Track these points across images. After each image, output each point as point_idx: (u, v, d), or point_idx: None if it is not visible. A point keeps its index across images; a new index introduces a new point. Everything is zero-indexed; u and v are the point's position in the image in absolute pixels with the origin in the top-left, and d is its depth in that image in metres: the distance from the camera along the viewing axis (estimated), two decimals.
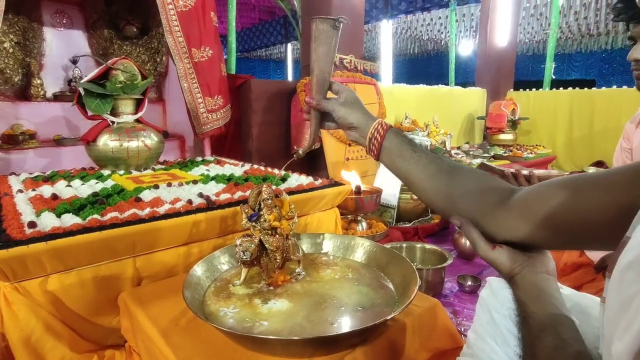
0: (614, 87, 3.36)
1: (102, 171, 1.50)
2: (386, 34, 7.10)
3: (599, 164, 3.13)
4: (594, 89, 3.56)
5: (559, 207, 0.49)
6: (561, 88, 3.71)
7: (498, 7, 3.79)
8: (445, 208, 0.61)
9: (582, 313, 0.51)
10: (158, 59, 2.47)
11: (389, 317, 0.68)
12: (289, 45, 9.26)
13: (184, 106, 2.00)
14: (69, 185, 1.26)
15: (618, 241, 0.35)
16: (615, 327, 0.31)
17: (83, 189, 1.21)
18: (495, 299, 0.54)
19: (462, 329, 1.16)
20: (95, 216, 0.93)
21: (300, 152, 0.84)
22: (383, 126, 0.68)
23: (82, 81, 1.51)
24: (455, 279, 1.43)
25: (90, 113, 1.51)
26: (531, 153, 2.94)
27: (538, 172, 1.25)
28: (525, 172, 1.25)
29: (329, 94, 0.78)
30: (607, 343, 0.32)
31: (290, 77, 10.44)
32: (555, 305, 0.47)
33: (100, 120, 1.53)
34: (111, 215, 0.95)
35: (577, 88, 3.58)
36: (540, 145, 3.48)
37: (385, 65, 6.81)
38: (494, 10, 3.80)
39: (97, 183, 1.30)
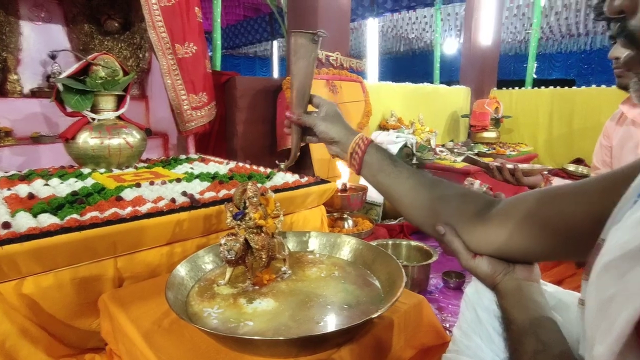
0: (593, 86, 3.43)
1: (82, 169, 1.46)
2: (372, 32, 7.11)
3: (578, 161, 3.20)
4: (573, 88, 3.64)
5: (538, 219, 0.50)
6: (542, 87, 3.78)
7: (482, 7, 3.84)
8: (425, 222, 0.61)
9: (566, 310, 0.51)
10: (141, 55, 2.42)
11: (374, 316, 0.67)
12: (275, 43, 9.19)
13: (168, 103, 1.96)
14: (46, 184, 1.22)
15: None
16: (596, 330, 0.31)
17: (62, 188, 1.18)
18: (480, 297, 0.54)
19: (447, 325, 1.17)
20: (74, 216, 0.91)
21: (282, 166, 0.84)
22: (364, 141, 0.69)
23: (60, 76, 1.47)
24: (441, 276, 1.44)
25: (69, 110, 1.47)
26: (514, 151, 2.99)
27: (522, 166, 1.27)
28: (509, 165, 1.26)
29: (310, 107, 0.77)
30: (589, 345, 0.32)
31: (276, 74, 10.37)
32: (537, 309, 0.47)
33: (80, 117, 1.48)
34: (91, 214, 0.92)
35: (557, 87, 3.65)
36: (522, 143, 3.54)
37: (371, 63, 6.82)
38: (478, 9, 3.85)
39: (76, 182, 1.27)
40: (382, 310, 0.69)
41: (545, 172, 1.25)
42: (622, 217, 0.35)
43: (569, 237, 0.46)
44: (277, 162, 0.88)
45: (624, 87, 1.16)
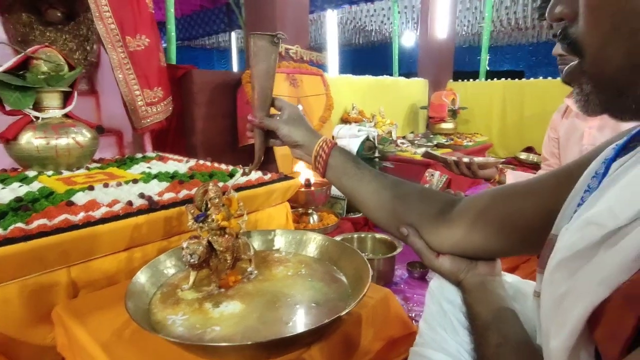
0: (541, 78, 3.63)
1: (26, 172, 1.36)
2: (332, 24, 7.11)
3: (529, 149, 3.38)
4: (523, 79, 3.83)
5: (496, 217, 0.52)
6: (495, 79, 3.95)
7: (437, 1, 3.93)
8: (389, 223, 0.63)
9: (524, 299, 0.54)
10: (88, 47, 2.27)
11: (343, 313, 0.68)
12: (233, 34, 8.95)
13: (120, 98, 1.86)
14: None
15: None
16: (550, 324, 0.33)
17: (4, 194, 1.09)
18: (444, 290, 0.56)
19: (413, 315, 1.21)
20: (20, 225, 0.84)
21: (247, 170, 0.83)
22: (328, 144, 0.69)
23: None
24: (405, 266, 1.48)
25: (8, 108, 1.36)
26: (470, 141, 3.12)
27: (477, 159, 1.32)
28: (466, 159, 1.31)
29: (273, 110, 0.77)
30: (544, 337, 0.34)
31: (235, 67, 10.13)
32: (498, 302, 0.49)
33: (21, 116, 1.37)
34: (38, 222, 0.86)
35: (509, 79, 3.83)
36: (478, 133, 3.69)
37: (332, 56, 6.83)
38: (434, 3, 3.94)
39: (20, 186, 1.17)
40: (351, 307, 0.70)
41: (499, 165, 1.32)
42: (571, 214, 0.37)
43: (524, 233, 0.49)
44: (240, 166, 0.87)
45: (568, 82, 1.23)
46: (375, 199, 0.64)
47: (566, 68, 0.35)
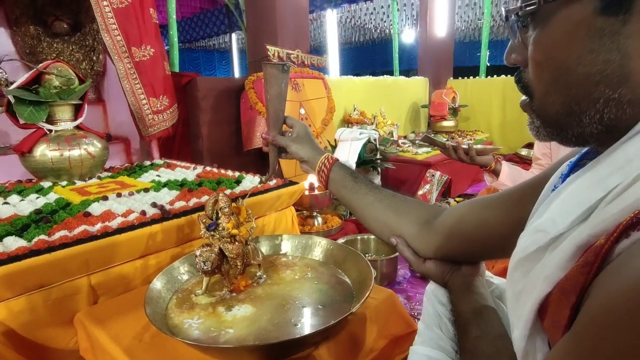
0: None
1: (41, 183, 1.42)
2: (331, 23, 7.14)
3: (529, 145, 3.41)
4: None
5: (470, 226, 0.59)
6: (495, 75, 3.97)
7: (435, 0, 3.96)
8: (382, 232, 0.69)
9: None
10: (94, 58, 2.33)
11: (348, 314, 0.73)
12: (234, 35, 9.00)
13: (127, 106, 1.91)
14: (6, 202, 1.18)
15: None
16: (512, 316, 0.38)
17: (23, 206, 1.14)
18: (439, 292, 0.62)
19: (415, 314, 1.25)
20: (42, 237, 0.90)
21: (264, 179, 0.97)
22: (329, 160, 0.77)
23: (11, 87, 1.41)
24: (408, 266, 1.52)
25: (22, 121, 1.41)
26: (471, 139, 3.15)
27: (476, 146, 1.37)
28: (464, 145, 1.36)
29: (285, 127, 0.87)
30: (510, 329, 0.40)
31: (236, 69, 10.17)
32: (479, 301, 0.55)
33: (35, 129, 1.43)
34: (60, 234, 0.91)
35: (509, 75, 3.86)
36: (478, 131, 3.72)
37: (332, 54, 6.86)
38: (432, 1, 3.96)
39: (38, 198, 1.23)
40: (355, 308, 0.74)
41: (497, 154, 1.37)
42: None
43: (496, 240, 0.54)
44: (258, 176, 0.97)
45: (524, 111, 1.28)
46: (370, 211, 0.71)
47: (520, 101, 0.41)
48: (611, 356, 0.23)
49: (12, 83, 1.97)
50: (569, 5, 0.34)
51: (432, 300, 0.61)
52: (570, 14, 0.34)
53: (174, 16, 3.38)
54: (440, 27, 3.99)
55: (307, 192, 1.62)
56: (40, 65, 1.44)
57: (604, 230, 0.29)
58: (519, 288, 0.38)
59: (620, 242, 0.27)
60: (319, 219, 1.73)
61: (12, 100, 1.37)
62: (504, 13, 0.41)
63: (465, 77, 4.12)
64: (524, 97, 0.41)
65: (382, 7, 7.85)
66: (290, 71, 0.80)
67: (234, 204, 0.91)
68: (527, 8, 0.36)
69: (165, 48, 2.61)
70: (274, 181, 1.40)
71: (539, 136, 0.40)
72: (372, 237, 1.56)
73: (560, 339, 0.30)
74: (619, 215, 0.28)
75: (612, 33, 0.32)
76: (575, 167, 0.42)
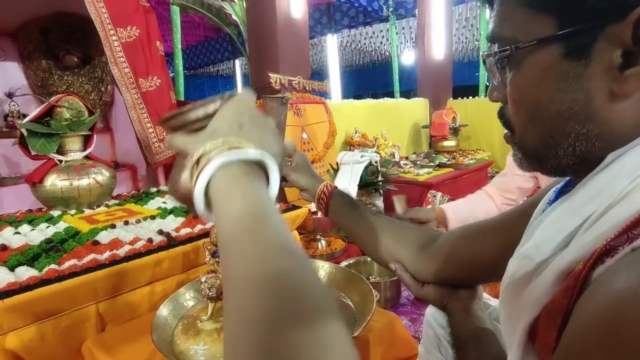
0: None
1: (51, 212, 1.45)
2: (332, 47, 7.31)
3: None
4: None
5: (464, 252, 0.61)
6: None
7: (433, 23, 4.07)
8: (381, 258, 0.71)
9: None
10: (103, 88, 2.41)
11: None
12: (237, 61, 9.22)
13: (134, 134, 1.97)
14: (17, 232, 1.21)
15: None
16: (506, 338, 0.40)
17: (34, 235, 1.18)
18: (438, 316, 0.63)
19: (419, 335, 1.25)
20: (53, 266, 0.92)
21: None
22: (328, 188, 0.79)
23: (23, 121, 1.46)
24: None
25: (33, 153, 1.46)
26: (472, 159, 3.18)
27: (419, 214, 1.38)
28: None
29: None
30: (507, 351, 0.41)
31: None
32: (477, 323, 0.56)
33: (45, 160, 1.48)
34: (69, 263, 0.94)
35: None
36: (480, 149, 3.75)
37: (334, 77, 7.00)
38: (429, 25, 4.07)
39: (48, 227, 1.26)
40: (357, 331, 0.76)
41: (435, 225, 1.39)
42: None
43: (491, 265, 0.56)
44: None
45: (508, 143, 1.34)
46: (369, 237, 0.73)
47: (504, 135, 0.44)
48: None
49: (24, 115, 2.05)
50: (538, 51, 0.37)
51: (432, 324, 0.63)
52: (540, 58, 0.37)
53: (179, 46, 3.49)
54: (438, 49, 4.08)
55: (311, 216, 1.64)
56: (52, 99, 1.51)
57: (582, 257, 0.31)
58: (510, 312, 0.40)
59: (596, 268, 0.29)
60: (323, 242, 1.75)
61: (25, 133, 1.42)
62: (482, 58, 0.44)
63: (465, 97, 4.19)
64: (506, 133, 0.45)
65: (381, 30, 8.04)
66: (288, 103, 0.83)
67: None
68: (502, 53, 0.40)
69: (171, 75, 2.70)
70: (277, 206, 1.43)
71: (522, 166, 0.43)
72: None
73: None
74: (594, 242, 0.31)
75: (576, 76, 0.35)
76: (560, 193, 0.45)
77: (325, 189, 0.78)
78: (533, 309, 0.35)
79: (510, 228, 0.55)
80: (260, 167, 0.36)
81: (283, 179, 0.87)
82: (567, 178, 0.45)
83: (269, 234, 0.31)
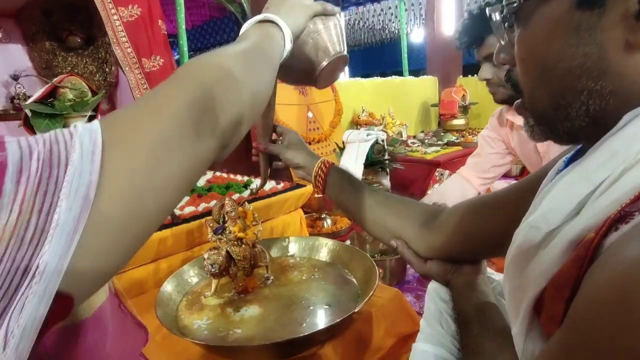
0: None
1: None
2: None
3: None
4: None
5: (470, 227, 0.59)
6: None
7: None
8: (382, 235, 0.70)
9: None
10: (107, 69, 2.40)
11: (352, 312, 0.74)
12: None
13: None
14: None
15: None
16: (510, 313, 0.39)
17: None
18: (440, 290, 0.62)
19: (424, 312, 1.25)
20: None
21: (254, 190, 0.91)
22: (326, 164, 0.77)
23: (27, 102, 1.47)
24: None
25: (38, 134, 1.47)
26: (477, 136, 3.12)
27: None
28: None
29: (274, 136, 0.85)
30: (511, 325, 0.40)
31: None
32: (481, 298, 0.55)
33: None
34: None
35: None
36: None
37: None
38: (439, 1, 3.95)
39: None
40: (359, 306, 0.76)
41: None
42: None
43: (497, 240, 0.54)
44: (249, 187, 0.95)
45: (501, 102, 1.31)
46: (369, 214, 0.71)
47: (515, 104, 0.42)
48: (595, 348, 0.24)
49: (30, 97, 2.05)
50: (547, 3, 0.35)
51: (434, 298, 0.62)
52: (549, 10, 0.35)
53: (184, 26, 3.44)
54: (448, 25, 3.97)
55: (315, 195, 1.63)
56: (55, 79, 1.50)
57: (594, 225, 0.29)
58: (515, 285, 0.38)
59: (609, 236, 0.28)
60: (328, 221, 1.75)
61: (29, 114, 1.42)
62: (487, 13, 0.42)
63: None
64: (517, 101, 0.42)
65: (389, 8, 7.83)
66: (276, 80, 0.78)
67: (240, 208, 0.93)
68: (510, 6, 0.37)
69: (176, 57, 2.67)
70: (282, 184, 1.42)
71: (534, 136, 0.41)
72: None
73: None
74: (607, 209, 0.29)
75: (589, 27, 0.33)
76: (570, 161, 0.43)
77: (322, 166, 0.76)
78: (540, 281, 0.33)
79: (517, 200, 0.53)
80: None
81: (275, 159, 0.85)
82: (577, 147, 0.42)
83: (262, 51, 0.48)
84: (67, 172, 0.24)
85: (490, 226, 0.57)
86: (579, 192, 0.33)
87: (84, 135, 0.26)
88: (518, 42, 0.38)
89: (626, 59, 0.32)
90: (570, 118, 0.36)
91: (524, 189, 0.54)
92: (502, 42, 0.42)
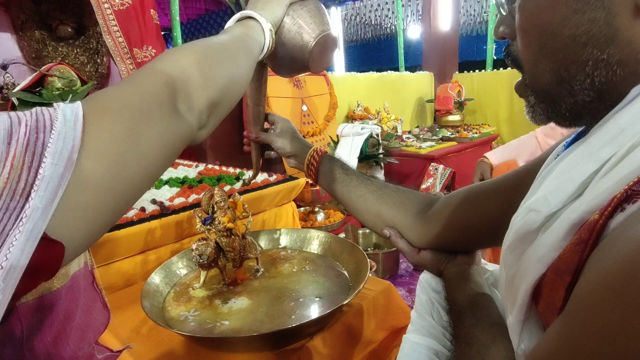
0: None
1: None
2: (336, 21, 7.12)
3: None
4: None
5: (466, 215, 0.58)
6: (501, 68, 3.92)
7: None
8: (375, 224, 0.68)
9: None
10: (98, 60, 2.35)
11: (341, 304, 0.72)
12: None
13: None
14: None
15: None
16: (506, 301, 0.37)
17: None
18: (432, 281, 0.61)
19: None
20: None
21: (247, 180, 0.90)
22: (318, 152, 0.75)
23: (14, 90, 1.43)
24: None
25: None
26: (477, 133, 3.11)
27: None
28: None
29: (266, 124, 0.83)
30: (505, 314, 0.39)
31: None
32: (474, 289, 0.53)
33: None
34: None
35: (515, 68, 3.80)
36: (485, 124, 3.68)
37: (337, 52, 6.88)
38: None
39: None
40: (349, 298, 0.74)
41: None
42: None
43: (493, 228, 0.53)
44: (241, 178, 0.92)
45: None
46: (362, 203, 0.69)
47: (515, 85, 0.40)
48: (600, 333, 0.22)
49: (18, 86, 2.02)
50: None
51: (426, 288, 0.61)
52: None
53: (177, 17, 3.40)
54: (445, 20, 3.95)
55: (309, 188, 1.62)
56: (43, 67, 1.47)
57: (598, 206, 0.27)
58: (513, 272, 0.37)
59: (614, 217, 0.26)
60: (321, 214, 1.73)
61: (16, 102, 1.39)
62: None
63: (472, 71, 4.08)
64: (518, 80, 0.40)
65: (386, 3, 7.81)
66: (268, 66, 0.76)
67: (230, 199, 0.91)
68: None
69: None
70: (274, 176, 1.40)
71: (535, 117, 0.39)
72: None
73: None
74: (613, 188, 0.27)
75: None
76: (572, 143, 0.41)
77: (315, 154, 0.74)
78: (539, 267, 0.31)
79: (514, 187, 0.51)
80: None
81: (267, 148, 0.83)
82: (579, 130, 0.40)
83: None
84: (51, 136, 0.27)
85: (486, 214, 0.55)
86: (582, 171, 0.31)
87: (66, 109, 0.29)
88: (519, 10, 0.36)
89: (636, 24, 0.30)
90: (574, 93, 0.34)
91: (522, 176, 0.52)
92: (503, 12, 0.39)
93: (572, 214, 0.29)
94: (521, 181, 0.50)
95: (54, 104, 0.30)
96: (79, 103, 0.30)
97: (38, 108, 0.29)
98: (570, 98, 0.34)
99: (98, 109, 0.31)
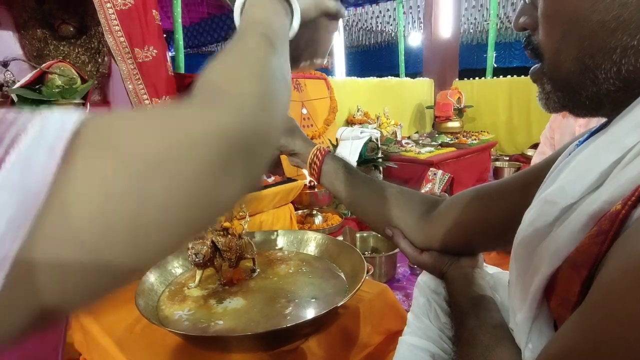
0: None
1: None
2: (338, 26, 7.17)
3: (535, 146, 3.36)
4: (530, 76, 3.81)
5: (473, 217, 0.56)
6: (501, 76, 3.94)
7: (440, 1, 3.95)
8: (377, 224, 0.67)
9: (504, 289, 0.57)
10: (100, 60, 2.36)
11: (336, 306, 0.72)
12: None
13: (131, 107, 1.94)
14: None
15: None
16: (516, 298, 0.36)
17: None
18: (432, 283, 0.60)
19: None
20: None
21: None
22: (322, 151, 0.74)
23: (14, 87, 1.43)
24: (407, 264, 1.51)
25: None
26: (476, 139, 3.11)
27: None
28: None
29: None
30: (512, 314, 0.37)
31: None
32: (477, 291, 0.52)
33: None
34: None
35: (515, 76, 3.82)
36: (484, 131, 3.68)
37: (338, 57, 6.88)
38: (437, 3, 3.95)
39: None
40: (345, 300, 0.74)
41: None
42: None
43: (499, 231, 0.52)
44: None
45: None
46: (365, 202, 0.68)
47: (531, 70, 0.39)
48: (626, 323, 0.21)
49: None
50: None
51: (424, 290, 0.60)
52: None
53: (179, 20, 3.41)
54: (446, 28, 3.97)
55: (307, 191, 1.61)
56: (44, 65, 1.47)
57: (619, 196, 0.26)
58: (524, 267, 0.35)
59: (639, 207, 0.24)
60: (319, 217, 1.73)
61: (15, 99, 1.39)
62: None
63: (472, 79, 4.09)
64: (534, 66, 0.38)
65: (387, 10, 7.86)
66: None
67: None
68: None
69: (172, 53, 2.64)
70: (272, 178, 1.40)
71: (548, 104, 0.37)
72: (372, 234, 1.55)
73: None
74: (637, 177, 0.25)
75: None
76: (587, 140, 0.38)
77: (318, 153, 0.73)
78: (553, 261, 0.30)
79: (522, 188, 0.50)
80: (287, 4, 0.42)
81: None
82: (593, 129, 0.38)
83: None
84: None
85: (493, 215, 0.54)
86: (603, 160, 0.29)
87: (50, 120, 0.20)
88: None
89: None
90: (598, 82, 0.32)
91: (531, 176, 0.50)
92: (527, 1, 0.38)
93: (591, 205, 0.28)
94: (529, 183, 0.48)
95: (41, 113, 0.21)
96: (76, 115, 0.21)
97: (27, 112, 0.21)
98: (592, 87, 0.33)
99: (105, 136, 0.22)
